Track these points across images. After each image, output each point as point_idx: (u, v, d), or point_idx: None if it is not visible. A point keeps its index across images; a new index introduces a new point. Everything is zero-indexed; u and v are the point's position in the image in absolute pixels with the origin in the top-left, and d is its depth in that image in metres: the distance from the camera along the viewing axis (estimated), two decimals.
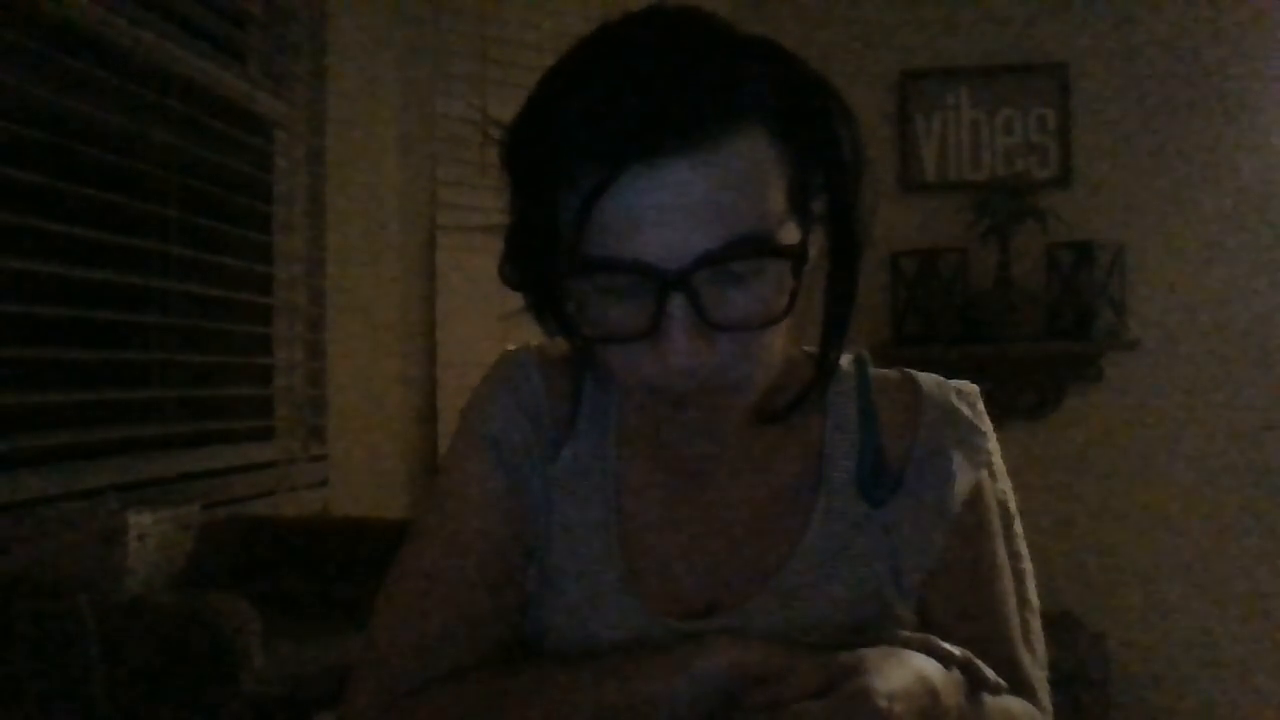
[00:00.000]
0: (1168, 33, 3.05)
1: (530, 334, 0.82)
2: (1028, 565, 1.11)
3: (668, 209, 0.59)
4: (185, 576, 1.39)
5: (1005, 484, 1.10)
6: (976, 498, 0.78)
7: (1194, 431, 3.03)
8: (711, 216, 0.59)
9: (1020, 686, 0.77)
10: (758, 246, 0.61)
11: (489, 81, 2.49)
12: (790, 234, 0.64)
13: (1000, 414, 1.07)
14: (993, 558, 0.79)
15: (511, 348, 0.82)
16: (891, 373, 0.82)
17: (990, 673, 0.70)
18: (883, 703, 0.59)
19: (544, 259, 0.66)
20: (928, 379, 0.81)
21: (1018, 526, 1.11)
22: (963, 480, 0.77)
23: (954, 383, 0.82)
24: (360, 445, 2.19)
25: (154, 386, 1.73)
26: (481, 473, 0.76)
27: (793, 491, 0.76)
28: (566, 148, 0.61)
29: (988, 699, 0.71)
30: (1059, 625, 2.70)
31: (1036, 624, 1.08)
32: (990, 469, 0.82)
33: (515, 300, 0.73)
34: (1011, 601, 0.81)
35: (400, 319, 2.37)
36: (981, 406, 0.82)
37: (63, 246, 1.44)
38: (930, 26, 3.13)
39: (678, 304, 0.60)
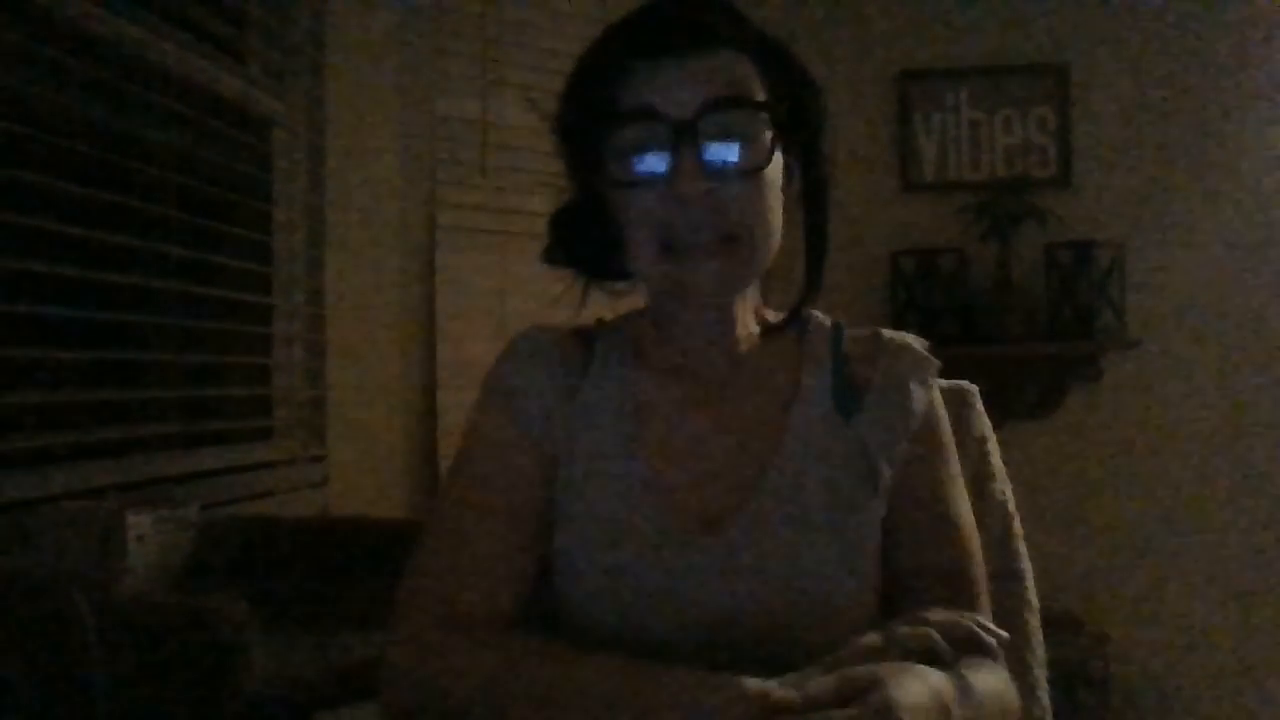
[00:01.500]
0: (1168, 33, 3.05)
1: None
2: (1027, 566, 1.11)
3: (679, 79, 0.82)
4: (185, 576, 1.39)
5: (1004, 484, 1.10)
6: (930, 415, 0.92)
7: (1194, 431, 3.03)
8: (711, 83, 0.82)
9: (962, 589, 0.86)
10: (747, 101, 0.83)
11: (489, 81, 2.48)
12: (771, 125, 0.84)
13: (1000, 414, 1.09)
14: (947, 466, 0.92)
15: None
16: (861, 329, 0.97)
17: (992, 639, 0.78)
18: (905, 716, 0.63)
19: (590, 167, 0.87)
20: (888, 330, 0.97)
21: (1017, 527, 1.10)
22: (918, 399, 0.91)
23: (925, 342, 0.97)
24: (360, 445, 2.19)
25: (154, 386, 1.73)
26: (503, 422, 0.89)
27: (780, 406, 0.90)
28: (604, 64, 0.84)
29: (985, 700, 0.73)
30: (1059, 625, 2.70)
31: (1036, 624, 1.08)
32: (937, 393, 0.94)
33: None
34: (967, 514, 0.91)
35: (400, 319, 2.37)
36: (932, 364, 0.94)
37: (62, 246, 1.44)
38: (930, 26, 3.13)
39: (688, 153, 0.80)
